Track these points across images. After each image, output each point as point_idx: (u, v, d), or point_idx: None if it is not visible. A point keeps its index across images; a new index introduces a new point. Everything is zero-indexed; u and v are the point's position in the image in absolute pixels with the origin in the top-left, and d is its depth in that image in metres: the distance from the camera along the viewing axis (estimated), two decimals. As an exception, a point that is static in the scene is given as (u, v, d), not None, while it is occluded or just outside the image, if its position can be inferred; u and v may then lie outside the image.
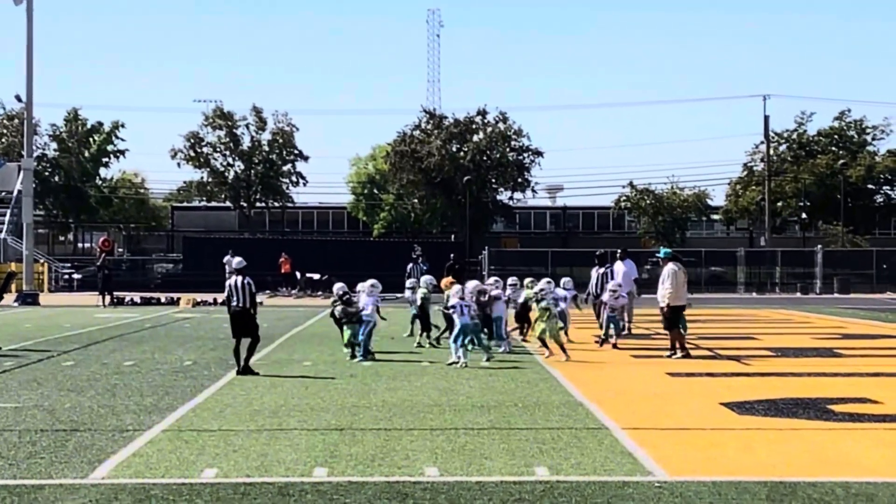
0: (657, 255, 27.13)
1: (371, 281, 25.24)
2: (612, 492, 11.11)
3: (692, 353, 25.35)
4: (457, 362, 23.06)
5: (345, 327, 24.93)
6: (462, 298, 24.16)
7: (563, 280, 30.04)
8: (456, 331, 23.83)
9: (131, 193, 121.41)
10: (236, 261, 22.86)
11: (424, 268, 36.28)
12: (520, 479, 11.72)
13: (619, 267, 31.78)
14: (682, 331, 25.55)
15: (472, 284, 25.88)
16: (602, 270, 31.23)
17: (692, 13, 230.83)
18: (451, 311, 24.56)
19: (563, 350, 24.38)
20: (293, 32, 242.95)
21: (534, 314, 25.99)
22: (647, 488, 11.32)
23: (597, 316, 30.38)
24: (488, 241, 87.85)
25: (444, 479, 11.71)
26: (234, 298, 21.82)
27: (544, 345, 24.78)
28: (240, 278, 21.88)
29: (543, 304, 25.01)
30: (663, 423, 15.77)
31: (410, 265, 36.52)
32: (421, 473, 11.96)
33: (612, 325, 27.66)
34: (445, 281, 29.86)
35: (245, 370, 21.33)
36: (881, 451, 13.56)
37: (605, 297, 28.30)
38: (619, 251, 33.52)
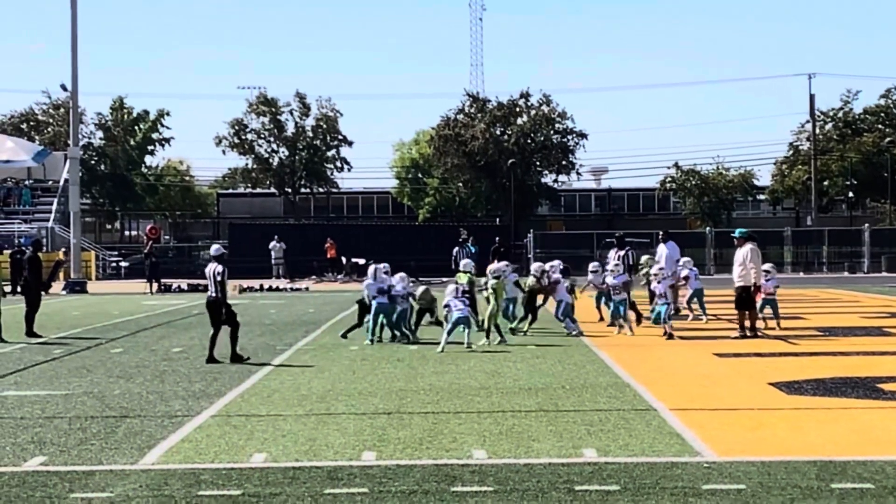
0: (732, 234, 26.50)
1: (400, 274, 25.79)
2: (660, 473, 11.09)
3: (746, 331, 25.23)
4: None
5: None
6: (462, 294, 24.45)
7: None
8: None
9: (177, 181, 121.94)
10: (213, 248, 22.53)
11: (473, 250, 36.28)
12: (568, 460, 11.72)
13: (662, 249, 31.25)
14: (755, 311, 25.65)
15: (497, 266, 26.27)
16: (622, 252, 29.76)
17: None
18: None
19: (498, 332, 24.64)
20: (337, 18, 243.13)
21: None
22: (696, 469, 11.29)
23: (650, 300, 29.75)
24: (533, 224, 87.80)
25: (492, 461, 11.72)
26: (209, 287, 21.62)
27: (498, 329, 24.77)
28: (214, 266, 21.55)
29: (495, 283, 25.06)
30: (711, 403, 15.72)
31: (456, 249, 36.40)
32: (469, 456, 11.98)
33: (621, 308, 27.25)
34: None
35: (234, 358, 21.11)
36: (932, 430, 13.49)
37: (652, 283, 27.91)
38: (660, 233, 33.22)
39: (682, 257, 30.71)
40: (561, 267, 27.41)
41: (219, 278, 21.30)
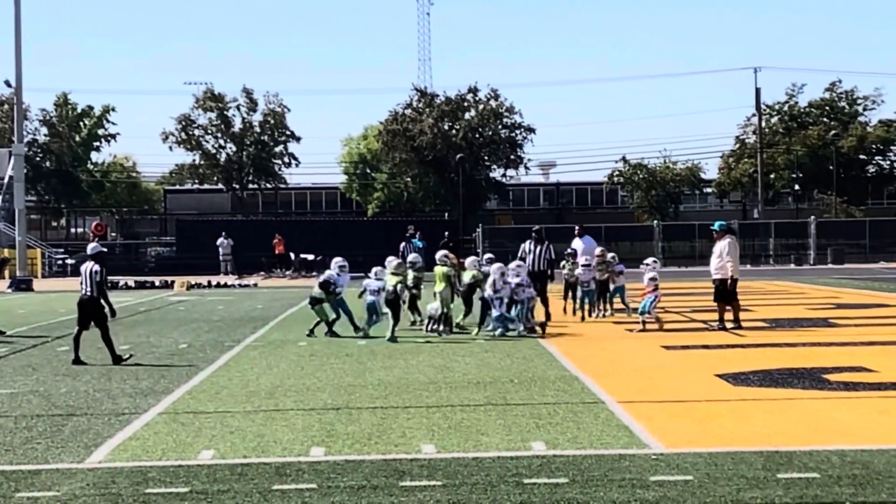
0: (712, 227, 26.41)
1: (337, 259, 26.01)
2: (608, 465, 11.12)
3: (687, 326, 25.34)
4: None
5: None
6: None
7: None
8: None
9: (123, 177, 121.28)
10: (90, 247, 21.93)
11: (420, 245, 36.06)
12: (516, 454, 11.73)
13: (578, 244, 30.68)
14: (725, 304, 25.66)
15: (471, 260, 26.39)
16: (539, 248, 28.43)
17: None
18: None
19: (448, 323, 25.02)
20: (284, 13, 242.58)
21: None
22: (644, 461, 11.33)
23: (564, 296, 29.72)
24: (482, 218, 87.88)
25: (441, 455, 11.71)
26: (82, 285, 20.99)
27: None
28: (90, 265, 20.92)
29: (446, 270, 25.17)
30: (659, 395, 15.78)
31: (403, 244, 36.13)
32: (418, 451, 11.97)
33: (587, 299, 27.78)
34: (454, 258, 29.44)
35: (115, 360, 20.52)
36: (876, 420, 13.59)
37: (579, 272, 28.26)
38: (576, 228, 32.53)
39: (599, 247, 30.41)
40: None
41: (97, 278, 20.64)
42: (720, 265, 25.30)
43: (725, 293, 25.33)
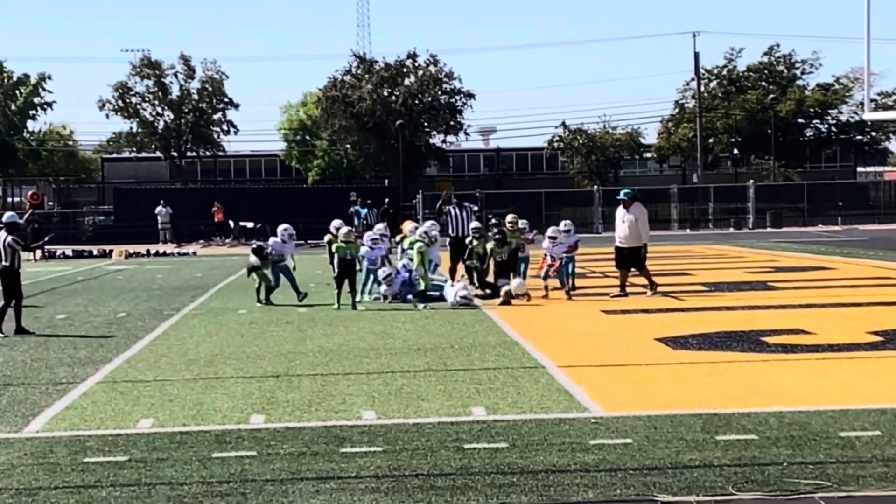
0: (618, 196, 26.07)
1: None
2: (548, 429, 11.16)
3: (627, 290, 25.43)
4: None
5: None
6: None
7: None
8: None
9: (60, 146, 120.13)
10: (6, 216, 21.60)
11: (363, 212, 35.86)
12: (457, 419, 11.76)
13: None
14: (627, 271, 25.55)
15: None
16: (455, 212, 27.70)
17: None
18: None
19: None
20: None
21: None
22: (584, 424, 11.38)
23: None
24: (422, 184, 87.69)
25: (382, 421, 11.72)
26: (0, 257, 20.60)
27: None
28: (3, 236, 20.49)
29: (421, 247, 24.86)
30: (598, 360, 15.85)
31: (365, 210, 35.17)
32: (358, 417, 11.97)
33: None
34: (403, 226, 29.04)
35: (19, 330, 20.28)
36: (813, 381, 13.72)
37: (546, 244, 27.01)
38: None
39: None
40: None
41: (9, 250, 20.33)
42: (626, 233, 25.20)
43: (631, 260, 25.40)
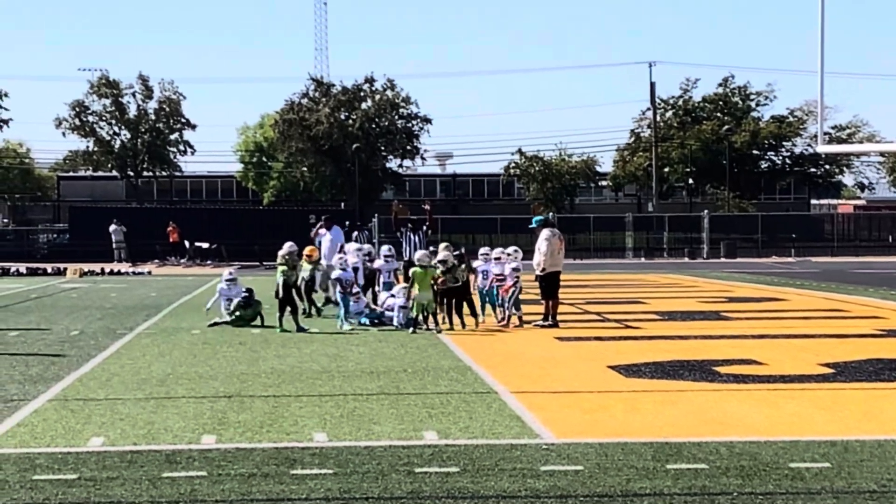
0: (530, 226, 25.75)
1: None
2: (500, 455, 11.16)
3: (581, 318, 25.46)
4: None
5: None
6: None
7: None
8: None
9: (16, 163, 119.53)
10: None
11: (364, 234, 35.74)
12: (408, 443, 11.74)
13: (326, 236, 29.41)
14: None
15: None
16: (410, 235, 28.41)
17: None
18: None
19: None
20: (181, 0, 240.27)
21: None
22: (535, 450, 11.39)
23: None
24: (378, 208, 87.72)
25: (333, 444, 11.70)
26: None
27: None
28: None
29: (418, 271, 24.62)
30: (551, 386, 15.87)
31: (356, 233, 35.03)
32: (309, 439, 11.94)
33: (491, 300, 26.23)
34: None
35: None
36: (765, 411, 13.77)
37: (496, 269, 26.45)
38: (323, 217, 30.80)
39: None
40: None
41: None
42: (539, 259, 24.82)
43: (549, 288, 24.86)
